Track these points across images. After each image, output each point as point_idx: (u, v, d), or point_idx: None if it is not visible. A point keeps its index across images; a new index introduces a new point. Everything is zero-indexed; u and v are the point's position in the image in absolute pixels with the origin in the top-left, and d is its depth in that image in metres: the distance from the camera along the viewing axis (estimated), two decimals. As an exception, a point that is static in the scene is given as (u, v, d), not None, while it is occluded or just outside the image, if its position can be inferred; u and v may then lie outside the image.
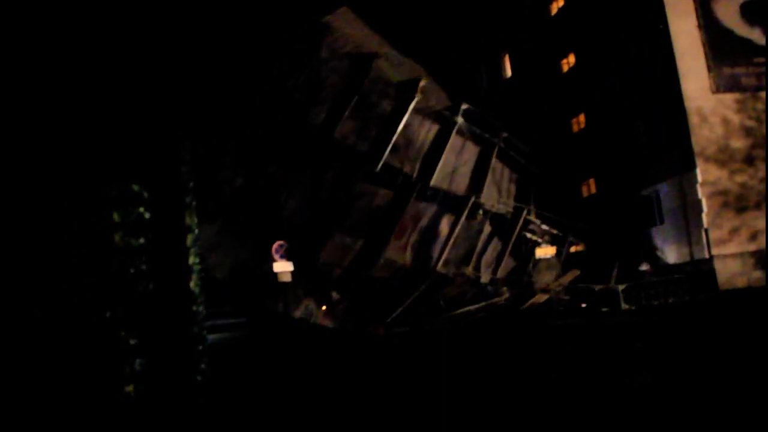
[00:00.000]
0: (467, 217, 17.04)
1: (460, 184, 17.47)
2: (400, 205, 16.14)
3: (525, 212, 18.10)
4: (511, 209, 18.25)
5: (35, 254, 3.41)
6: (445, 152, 16.72)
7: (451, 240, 16.78)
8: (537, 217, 18.50)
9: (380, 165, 15.45)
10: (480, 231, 17.63)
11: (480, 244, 17.81)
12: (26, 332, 3.30)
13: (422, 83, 15.90)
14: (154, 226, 3.73)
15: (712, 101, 17.90)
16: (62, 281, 3.45)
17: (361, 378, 8.96)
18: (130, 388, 3.75)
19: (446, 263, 17.04)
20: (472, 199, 17.01)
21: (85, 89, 3.36)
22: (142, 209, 3.72)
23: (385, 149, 15.48)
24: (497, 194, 18.31)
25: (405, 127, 15.80)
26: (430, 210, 16.74)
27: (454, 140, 17.01)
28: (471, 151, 17.85)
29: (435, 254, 16.71)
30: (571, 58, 23.15)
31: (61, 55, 3.28)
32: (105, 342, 3.65)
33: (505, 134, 18.18)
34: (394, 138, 15.57)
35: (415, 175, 16.25)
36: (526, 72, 25.84)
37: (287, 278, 15.56)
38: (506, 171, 18.94)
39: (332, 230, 15.58)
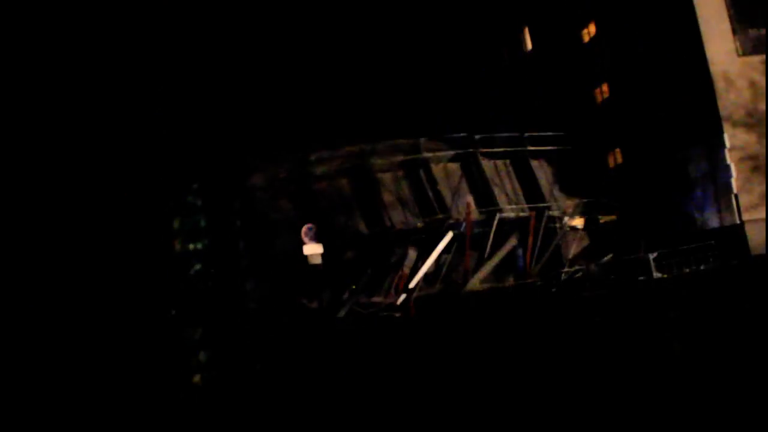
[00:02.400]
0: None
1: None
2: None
3: (546, 210, 18.07)
4: (526, 211, 18.18)
5: (108, 262, 3.65)
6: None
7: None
8: (561, 190, 18.48)
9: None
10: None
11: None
12: (106, 332, 3.55)
13: None
14: (210, 233, 3.96)
15: (738, 64, 17.56)
16: (135, 284, 3.69)
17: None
18: (197, 379, 3.99)
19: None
20: (497, 217, 17.28)
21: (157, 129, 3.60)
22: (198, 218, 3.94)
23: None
24: (507, 200, 18.32)
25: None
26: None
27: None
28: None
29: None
30: (592, 28, 22.82)
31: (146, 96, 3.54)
32: (173, 338, 3.89)
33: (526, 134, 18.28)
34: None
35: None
36: (546, 45, 25.54)
37: (317, 260, 15.79)
38: (506, 170, 18.91)
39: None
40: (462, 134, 18.38)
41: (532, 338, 9.43)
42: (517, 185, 18.48)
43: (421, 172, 18.27)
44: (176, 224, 3.46)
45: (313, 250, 15.53)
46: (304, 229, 15.65)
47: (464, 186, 18.17)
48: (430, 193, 18.02)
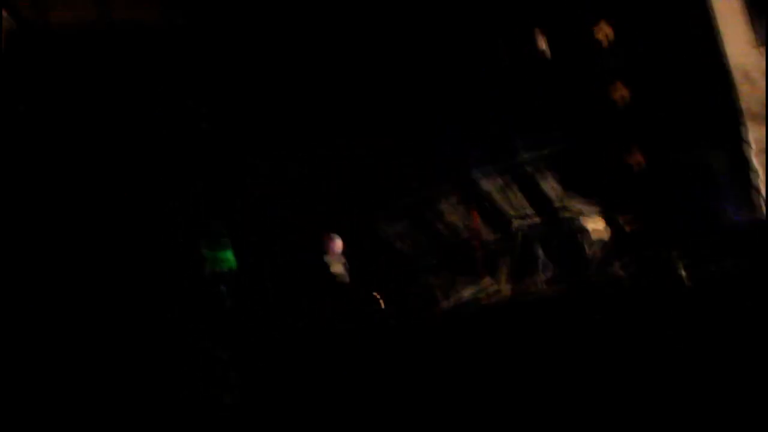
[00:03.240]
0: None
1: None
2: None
3: (558, 215, 18.07)
4: (537, 218, 18.20)
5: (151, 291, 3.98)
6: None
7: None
8: (577, 193, 18.48)
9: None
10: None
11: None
12: (148, 359, 3.87)
13: None
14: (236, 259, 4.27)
15: (755, 56, 17.44)
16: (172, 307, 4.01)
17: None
18: (228, 397, 4.30)
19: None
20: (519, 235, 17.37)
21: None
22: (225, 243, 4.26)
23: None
24: (514, 212, 18.31)
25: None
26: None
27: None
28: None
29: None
30: (605, 27, 22.82)
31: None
32: (205, 359, 4.21)
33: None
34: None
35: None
36: (558, 45, 25.57)
37: (345, 279, 15.94)
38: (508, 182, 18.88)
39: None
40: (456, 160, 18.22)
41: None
42: (521, 197, 18.49)
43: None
44: (205, 252, 3.64)
45: (339, 266, 15.68)
46: (329, 243, 15.81)
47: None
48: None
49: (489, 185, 18.20)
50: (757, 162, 17.00)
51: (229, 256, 4.12)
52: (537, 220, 17.82)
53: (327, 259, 15.46)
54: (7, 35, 4.66)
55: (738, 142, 17.12)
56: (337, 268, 15.47)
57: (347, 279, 15.32)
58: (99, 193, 4.13)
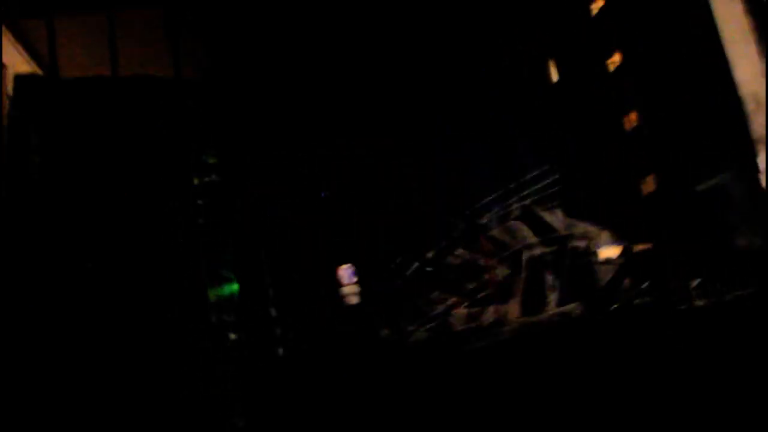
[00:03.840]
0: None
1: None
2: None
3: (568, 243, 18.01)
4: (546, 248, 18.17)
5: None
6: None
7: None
8: (589, 221, 18.50)
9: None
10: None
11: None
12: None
13: None
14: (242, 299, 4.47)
15: (765, 85, 17.53)
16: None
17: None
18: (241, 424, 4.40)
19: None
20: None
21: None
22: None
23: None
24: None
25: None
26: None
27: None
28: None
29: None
30: (617, 57, 23.10)
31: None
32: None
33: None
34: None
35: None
36: (573, 75, 25.89)
37: (355, 300, 16.13)
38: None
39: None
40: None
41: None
42: (529, 233, 18.45)
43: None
44: (211, 295, 3.81)
45: (351, 290, 15.90)
46: (341, 271, 16.02)
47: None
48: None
49: (496, 219, 18.33)
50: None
51: (232, 282, 4.27)
52: (546, 249, 17.85)
53: (341, 287, 15.64)
54: (21, 87, 4.94)
55: (753, 168, 17.08)
56: (350, 291, 15.64)
57: (356, 301, 15.46)
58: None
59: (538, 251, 18.16)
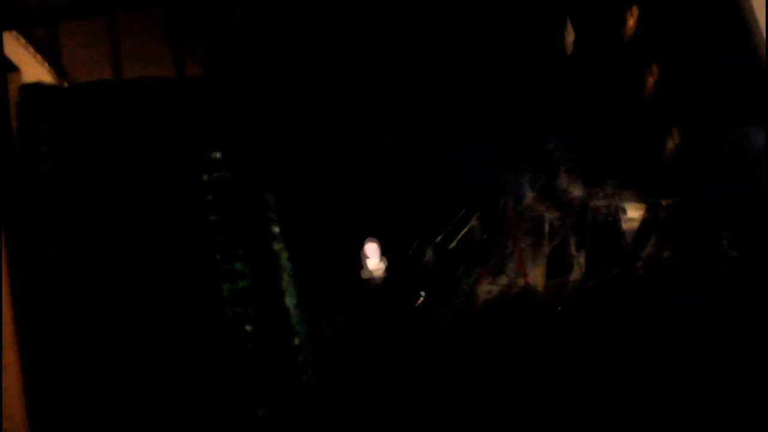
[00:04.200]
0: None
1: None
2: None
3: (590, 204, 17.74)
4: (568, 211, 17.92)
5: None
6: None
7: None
8: (614, 184, 18.20)
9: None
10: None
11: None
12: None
13: None
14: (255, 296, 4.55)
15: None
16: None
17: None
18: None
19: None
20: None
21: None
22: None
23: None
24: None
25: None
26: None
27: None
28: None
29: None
30: (633, 16, 22.51)
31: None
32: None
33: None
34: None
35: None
36: (586, 37, 25.32)
37: (380, 277, 16.17)
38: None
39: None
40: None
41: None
42: (550, 202, 18.22)
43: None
44: (225, 290, 3.83)
45: (376, 267, 15.89)
46: (366, 247, 16.03)
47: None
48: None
49: (516, 184, 18.11)
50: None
51: (247, 276, 4.33)
52: (569, 212, 17.62)
53: (365, 260, 15.71)
54: (26, 96, 5.07)
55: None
56: (375, 269, 15.68)
57: (382, 280, 15.52)
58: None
59: (559, 216, 17.95)
